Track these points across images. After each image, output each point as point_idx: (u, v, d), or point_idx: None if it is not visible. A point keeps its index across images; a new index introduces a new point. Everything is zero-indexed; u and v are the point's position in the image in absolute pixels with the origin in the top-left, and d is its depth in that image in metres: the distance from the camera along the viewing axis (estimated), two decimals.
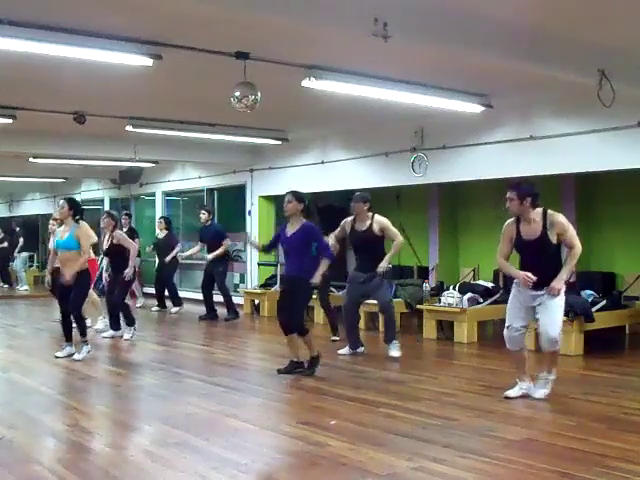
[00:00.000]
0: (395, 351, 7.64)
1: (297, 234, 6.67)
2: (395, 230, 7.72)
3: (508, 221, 5.68)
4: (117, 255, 8.74)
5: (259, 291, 12.18)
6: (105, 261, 9.31)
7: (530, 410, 5.38)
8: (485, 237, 11.31)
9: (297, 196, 6.78)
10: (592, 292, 8.42)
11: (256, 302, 12.24)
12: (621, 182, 9.26)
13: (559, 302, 5.50)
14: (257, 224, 12.97)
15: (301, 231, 6.66)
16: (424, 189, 11.04)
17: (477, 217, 11.47)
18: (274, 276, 12.14)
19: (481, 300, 9.04)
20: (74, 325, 7.66)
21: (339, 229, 7.85)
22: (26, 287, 17.47)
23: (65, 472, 4.07)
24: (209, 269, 11.30)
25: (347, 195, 13.02)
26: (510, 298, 5.75)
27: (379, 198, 12.22)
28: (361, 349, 7.92)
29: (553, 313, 5.47)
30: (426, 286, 9.66)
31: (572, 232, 5.54)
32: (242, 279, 13.69)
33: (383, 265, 7.49)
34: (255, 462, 4.22)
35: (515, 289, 5.67)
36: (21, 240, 17.87)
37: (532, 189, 5.52)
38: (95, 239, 8.18)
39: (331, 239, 7.71)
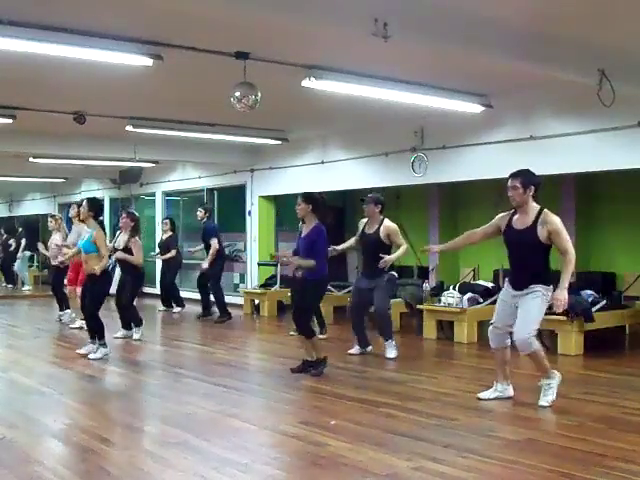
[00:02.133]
0: (391, 351, 7.61)
1: (308, 235, 6.62)
2: (402, 239, 7.59)
3: (502, 214, 5.57)
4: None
5: (259, 291, 12.17)
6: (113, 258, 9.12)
7: (530, 410, 5.37)
8: None
9: (305, 197, 6.66)
10: (592, 292, 8.41)
11: (256, 302, 12.24)
12: (621, 182, 9.26)
13: (535, 303, 5.29)
14: (257, 224, 12.98)
15: (311, 233, 6.59)
16: (424, 189, 11.04)
17: (477, 217, 11.37)
18: (274, 276, 12.15)
19: (481, 300, 9.03)
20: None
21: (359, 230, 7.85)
22: (29, 287, 17.48)
23: (65, 472, 4.07)
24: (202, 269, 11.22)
25: (346, 195, 13.07)
26: (499, 295, 5.71)
27: None
28: (369, 348, 7.86)
29: (526, 313, 5.28)
30: (426, 286, 9.66)
31: (565, 235, 5.27)
32: (242, 279, 13.70)
33: (386, 259, 7.34)
34: (255, 462, 4.22)
35: (504, 287, 5.62)
36: (23, 240, 17.87)
37: (536, 178, 5.40)
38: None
39: (353, 240, 7.91)
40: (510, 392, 5.66)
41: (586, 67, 6.15)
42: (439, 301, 9.10)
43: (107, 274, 7.66)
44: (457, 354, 8.28)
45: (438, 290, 9.85)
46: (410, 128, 9.69)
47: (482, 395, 5.66)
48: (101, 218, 7.61)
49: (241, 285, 13.69)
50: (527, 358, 5.56)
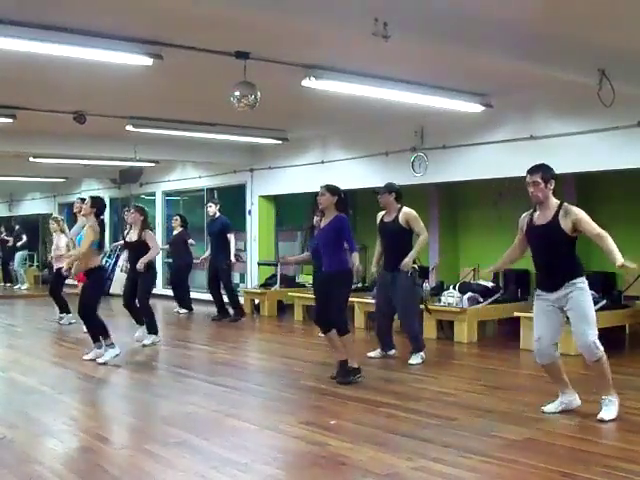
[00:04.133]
0: (415, 358, 7.35)
1: (329, 226, 6.47)
2: (422, 225, 7.30)
3: (523, 214, 5.27)
4: (140, 251, 8.53)
5: (259, 291, 12.17)
6: (124, 254, 9.13)
7: (530, 410, 5.37)
8: (485, 237, 11.32)
9: (330, 189, 6.52)
10: (592, 292, 8.37)
11: (256, 302, 12.24)
12: (621, 182, 9.26)
13: (586, 300, 5.06)
14: (257, 224, 12.98)
15: (333, 223, 6.46)
16: (424, 189, 11.03)
17: (477, 217, 11.47)
18: (274, 276, 12.15)
19: (481, 300, 9.04)
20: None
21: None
22: (26, 285, 17.46)
23: (65, 472, 4.07)
24: (213, 266, 11.14)
25: (346, 195, 13.01)
26: (535, 307, 5.26)
27: None
28: (392, 352, 7.59)
29: (581, 316, 5.02)
30: (426, 286, 9.66)
31: (590, 220, 5.08)
32: (242, 279, 13.70)
33: (406, 261, 7.07)
34: (255, 462, 4.22)
35: (537, 296, 5.22)
36: (24, 237, 17.86)
37: (554, 171, 5.12)
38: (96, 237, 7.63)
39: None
40: (577, 401, 5.31)
41: (586, 67, 6.15)
42: (439, 301, 9.10)
43: (100, 272, 7.60)
44: (457, 354, 8.28)
45: (438, 290, 9.85)
46: (410, 128, 9.69)
47: (547, 408, 5.26)
48: (102, 217, 7.57)
49: (241, 285, 13.69)
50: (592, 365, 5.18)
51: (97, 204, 7.55)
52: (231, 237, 11.00)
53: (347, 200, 6.62)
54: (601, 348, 5.04)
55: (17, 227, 18.56)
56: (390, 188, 7.36)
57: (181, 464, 4.16)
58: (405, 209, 7.30)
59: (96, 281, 7.47)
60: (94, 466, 4.20)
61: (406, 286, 7.22)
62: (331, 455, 4.29)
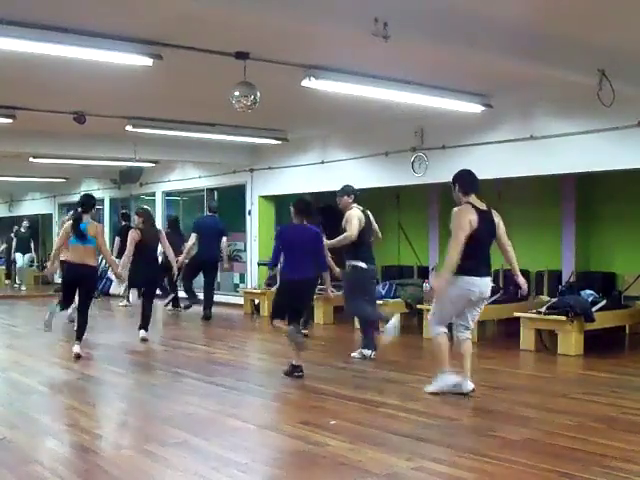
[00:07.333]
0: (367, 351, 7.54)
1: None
2: (353, 226, 7.34)
3: (462, 208, 5.59)
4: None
5: (259, 291, 12.17)
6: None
7: (530, 410, 5.38)
8: None
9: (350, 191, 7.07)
10: (592, 292, 8.41)
11: (256, 302, 12.24)
12: (621, 182, 9.26)
13: None
14: (257, 224, 12.99)
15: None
16: (424, 189, 11.04)
17: None
18: (274, 276, 12.13)
19: None
20: None
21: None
22: (23, 287, 17.42)
23: (65, 472, 4.07)
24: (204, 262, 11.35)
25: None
26: (455, 294, 5.58)
27: (379, 198, 12.25)
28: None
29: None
30: (426, 286, 9.64)
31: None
32: (242, 279, 13.69)
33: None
34: (255, 462, 4.23)
35: (466, 284, 5.52)
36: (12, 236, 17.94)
37: (457, 176, 5.86)
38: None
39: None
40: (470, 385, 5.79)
41: (586, 67, 6.15)
42: None
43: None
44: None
45: None
46: (410, 128, 9.69)
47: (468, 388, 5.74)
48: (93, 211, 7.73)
49: (241, 285, 13.69)
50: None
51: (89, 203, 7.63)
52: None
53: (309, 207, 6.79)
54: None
55: (24, 222, 18.60)
56: (345, 192, 7.68)
57: (181, 464, 4.16)
58: (349, 211, 7.55)
59: (96, 279, 7.86)
60: (94, 466, 4.20)
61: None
62: (331, 455, 4.29)
